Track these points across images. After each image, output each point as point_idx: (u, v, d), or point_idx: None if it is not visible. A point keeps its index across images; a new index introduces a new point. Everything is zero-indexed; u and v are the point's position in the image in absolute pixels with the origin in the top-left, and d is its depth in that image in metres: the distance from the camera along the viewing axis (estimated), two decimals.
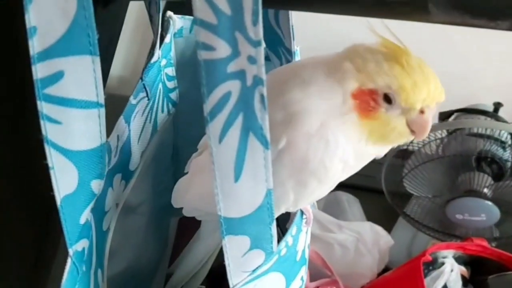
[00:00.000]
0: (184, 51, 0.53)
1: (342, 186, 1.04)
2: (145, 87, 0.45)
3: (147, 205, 0.54)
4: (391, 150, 0.91)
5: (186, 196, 0.44)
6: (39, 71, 0.29)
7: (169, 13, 0.50)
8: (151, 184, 0.54)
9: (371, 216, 0.99)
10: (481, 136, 0.87)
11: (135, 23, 0.93)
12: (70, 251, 0.35)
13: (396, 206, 0.96)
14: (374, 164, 1.02)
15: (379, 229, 0.91)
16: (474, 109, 0.93)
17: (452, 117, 0.94)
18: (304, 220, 0.40)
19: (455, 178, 0.89)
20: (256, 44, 0.27)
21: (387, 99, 0.32)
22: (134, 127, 0.45)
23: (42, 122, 0.30)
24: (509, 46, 1.00)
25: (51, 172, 0.32)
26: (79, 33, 0.28)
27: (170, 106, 0.54)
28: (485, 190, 0.87)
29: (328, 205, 1.00)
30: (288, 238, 0.37)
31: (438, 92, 0.33)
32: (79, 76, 0.29)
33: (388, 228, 0.94)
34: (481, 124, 0.86)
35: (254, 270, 0.35)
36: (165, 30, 0.50)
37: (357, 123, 0.33)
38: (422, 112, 0.33)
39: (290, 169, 0.34)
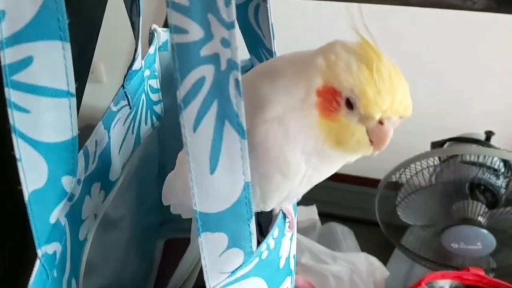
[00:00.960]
0: (169, 65, 0.53)
1: (336, 218, 1.03)
2: (126, 95, 0.45)
3: (129, 221, 0.52)
4: (382, 181, 0.91)
5: (174, 190, 0.43)
6: (7, 56, 0.28)
7: (154, 26, 0.50)
8: (134, 199, 0.52)
9: (366, 248, 0.98)
10: (473, 164, 0.86)
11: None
12: (39, 252, 0.33)
13: (391, 237, 0.95)
14: (367, 195, 1.02)
15: (374, 260, 0.89)
16: (466, 138, 0.93)
17: (445, 146, 0.94)
18: (287, 224, 0.38)
19: (449, 207, 0.88)
20: (229, 26, 0.27)
21: (349, 104, 0.31)
22: (115, 135, 0.44)
23: (9, 110, 0.29)
24: (500, 76, 1.01)
25: (19, 164, 0.30)
26: (48, 17, 0.28)
27: (155, 119, 0.53)
28: (480, 218, 0.86)
29: (322, 236, 0.98)
30: (270, 240, 0.36)
31: (403, 106, 0.31)
32: (49, 62, 0.29)
33: (384, 260, 0.92)
34: (474, 151, 0.86)
35: (233, 272, 0.33)
36: (149, 42, 0.50)
37: (316, 121, 0.32)
38: (381, 123, 0.31)
39: (253, 158, 0.32)
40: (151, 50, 0.50)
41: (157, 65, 0.51)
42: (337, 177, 1.20)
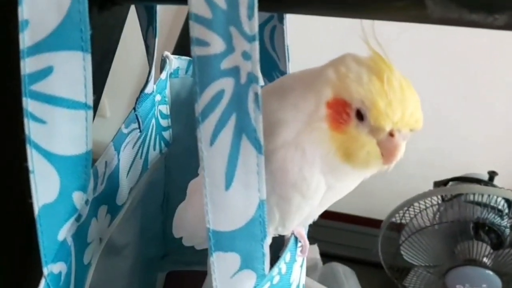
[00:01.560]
0: (180, 92, 0.53)
1: (339, 258, 1.02)
2: (137, 118, 0.44)
3: (132, 250, 0.51)
4: (385, 220, 0.90)
5: (185, 220, 0.42)
6: (28, 66, 0.28)
7: (166, 52, 0.51)
8: (139, 227, 0.51)
9: None
10: (477, 204, 0.86)
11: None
12: (45, 271, 0.32)
13: (394, 279, 0.93)
14: (370, 236, 1.01)
15: None
16: (469, 178, 0.93)
17: (448, 185, 0.94)
18: (299, 249, 0.37)
19: (453, 247, 0.87)
20: (251, 39, 0.27)
21: (359, 115, 0.31)
22: (124, 158, 0.44)
23: (26, 120, 0.29)
24: (503, 116, 1.02)
25: (31, 176, 0.30)
26: (71, 27, 0.28)
27: (163, 145, 0.53)
28: (485, 259, 0.85)
29: (324, 276, 0.97)
30: (282, 265, 0.35)
31: (414, 118, 0.31)
32: (69, 73, 0.29)
33: None
34: (478, 189, 0.86)
35: None
36: (160, 68, 0.50)
37: (326, 134, 0.31)
38: (391, 135, 0.31)
39: (271, 182, 0.32)
40: (163, 75, 0.50)
41: (167, 91, 0.52)
42: (339, 217, 1.19)
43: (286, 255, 0.35)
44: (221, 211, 0.30)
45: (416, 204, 0.88)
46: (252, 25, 0.27)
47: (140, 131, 0.46)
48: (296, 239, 0.37)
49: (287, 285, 0.36)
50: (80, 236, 0.38)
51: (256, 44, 0.27)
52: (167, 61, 0.51)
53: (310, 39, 0.85)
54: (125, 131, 0.43)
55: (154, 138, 0.50)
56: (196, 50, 0.27)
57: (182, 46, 0.67)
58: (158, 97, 0.49)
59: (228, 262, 0.31)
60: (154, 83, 0.48)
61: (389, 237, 0.92)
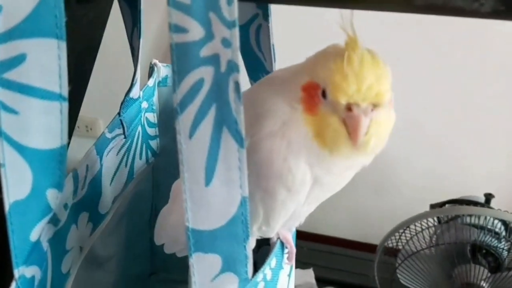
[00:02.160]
0: (168, 101, 0.52)
1: (333, 283, 0.99)
2: (122, 123, 0.43)
3: (117, 264, 0.49)
4: (382, 241, 0.89)
5: (167, 225, 0.40)
6: (0, 53, 0.27)
7: (154, 60, 0.50)
8: (124, 240, 0.50)
9: None
10: (474, 226, 0.85)
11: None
12: (16, 273, 0.31)
13: None
14: (365, 261, 0.99)
15: None
16: (466, 200, 0.92)
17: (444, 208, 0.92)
18: (285, 256, 0.35)
19: (450, 270, 0.85)
20: (231, 25, 0.26)
21: (324, 94, 0.31)
22: (107, 164, 0.42)
23: None
24: (499, 138, 1.01)
25: (2, 170, 0.29)
26: (45, 13, 0.27)
27: (150, 154, 0.51)
28: (483, 283, 0.83)
29: None
30: (267, 270, 0.33)
31: (373, 91, 0.30)
32: (42, 61, 0.28)
33: None
34: (474, 211, 0.84)
35: None
36: (148, 75, 0.49)
37: (303, 118, 0.31)
38: (350, 109, 0.30)
39: (255, 176, 0.31)
40: (150, 82, 0.49)
41: (155, 99, 0.50)
42: (335, 242, 1.17)
43: (272, 261, 0.34)
44: (200, 208, 0.29)
45: (412, 226, 0.86)
46: (231, 11, 0.26)
47: (125, 137, 0.44)
48: (282, 244, 0.35)
49: None
50: (58, 242, 0.36)
51: (236, 30, 0.26)
52: (155, 68, 0.50)
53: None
54: (108, 135, 0.42)
55: (140, 147, 0.49)
56: (174, 37, 0.26)
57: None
58: (144, 104, 0.48)
59: (208, 263, 0.30)
60: (141, 89, 0.46)
61: (386, 261, 0.90)
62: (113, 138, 0.42)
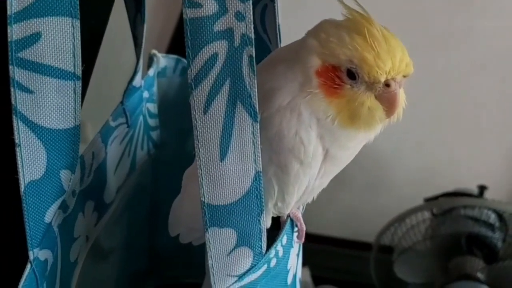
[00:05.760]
0: (167, 93, 0.52)
1: (329, 281, 1.00)
2: (125, 112, 0.43)
3: (118, 258, 0.49)
4: (378, 235, 0.89)
5: (182, 214, 0.40)
6: (15, 32, 0.27)
7: (153, 51, 0.50)
8: (125, 235, 0.49)
9: None
10: (469, 218, 0.86)
11: None
12: (31, 255, 0.31)
13: None
14: (361, 259, 0.99)
15: None
16: (460, 193, 0.93)
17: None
18: (295, 234, 0.36)
19: (446, 262, 0.86)
20: None
21: (351, 74, 0.30)
22: (111, 153, 0.42)
23: (12, 90, 0.28)
24: (492, 130, 1.03)
25: (17, 150, 0.29)
26: None
27: (151, 145, 0.51)
28: (479, 273, 0.84)
29: None
30: (279, 247, 0.33)
31: (404, 63, 0.30)
32: (57, 39, 0.28)
33: None
34: (469, 202, 0.85)
35: (240, 277, 0.31)
36: (148, 66, 0.49)
37: (323, 102, 0.31)
38: (387, 85, 0.30)
39: (268, 151, 0.31)
40: (151, 72, 0.49)
41: (155, 89, 0.51)
42: (331, 241, 1.17)
43: (283, 238, 0.34)
44: (215, 183, 0.29)
45: (407, 219, 0.87)
46: None
47: (128, 126, 0.44)
48: (292, 222, 0.36)
49: (284, 271, 0.35)
50: (66, 229, 0.36)
51: (250, 4, 0.27)
52: (154, 59, 0.50)
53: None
54: (112, 124, 0.42)
55: (142, 137, 0.49)
56: (188, 12, 0.27)
57: (175, 48, 0.66)
58: (146, 94, 0.48)
59: (224, 238, 0.30)
60: (142, 78, 0.47)
61: (381, 257, 0.90)
62: (117, 126, 0.42)
